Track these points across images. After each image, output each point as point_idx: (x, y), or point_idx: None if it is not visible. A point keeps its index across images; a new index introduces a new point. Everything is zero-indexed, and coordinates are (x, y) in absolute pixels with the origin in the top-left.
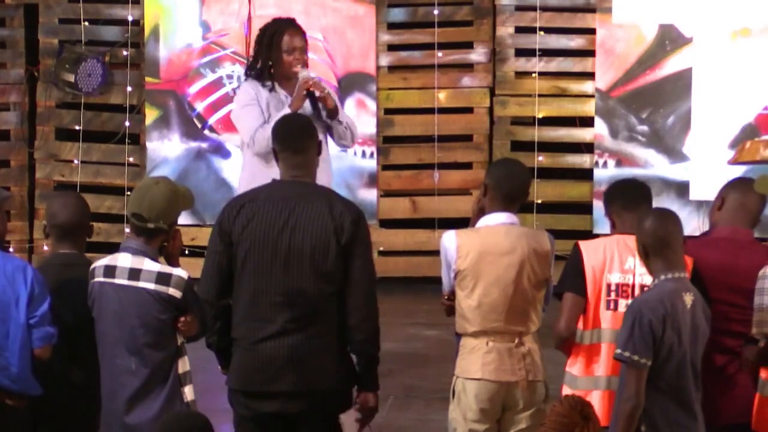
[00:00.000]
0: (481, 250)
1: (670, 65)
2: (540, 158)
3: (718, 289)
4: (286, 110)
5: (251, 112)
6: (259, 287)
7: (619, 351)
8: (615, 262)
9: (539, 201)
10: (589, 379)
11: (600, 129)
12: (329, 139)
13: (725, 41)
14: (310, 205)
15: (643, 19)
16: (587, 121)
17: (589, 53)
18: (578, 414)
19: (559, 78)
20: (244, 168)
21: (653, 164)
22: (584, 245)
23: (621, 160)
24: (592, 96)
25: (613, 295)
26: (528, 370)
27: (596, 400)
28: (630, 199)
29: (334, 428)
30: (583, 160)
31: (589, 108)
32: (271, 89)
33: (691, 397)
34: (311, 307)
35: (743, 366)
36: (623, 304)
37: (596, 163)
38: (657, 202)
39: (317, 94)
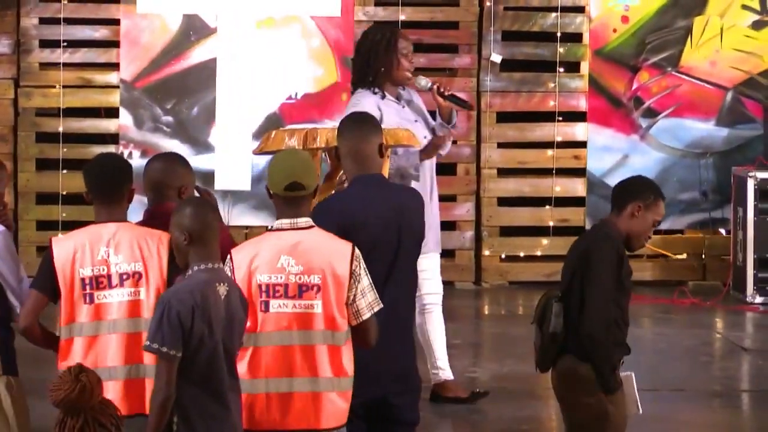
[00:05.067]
0: None
1: (195, 55)
2: (65, 149)
3: None
4: (419, 123)
5: None
6: None
7: (148, 343)
8: (86, 255)
9: (64, 192)
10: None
11: (125, 120)
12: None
13: (249, 31)
14: None
15: (167, 9)
16: (112, 112)
17: (114, 44)
18: (74, 378)
19: (84, 69)
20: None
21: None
22: (55, 241)
23: (146, 151)
24: (117, 87)
25: (88, 289)
26: None
27: (114, 390)
28: (100, 189)
29: None
30: (108, 150)
31: (113, 99)
32: (383, 97)
33: (224, 386)
34: None
35: None
36: (100, 295)
37: (122, 154)
38: None
39: (447, 93)
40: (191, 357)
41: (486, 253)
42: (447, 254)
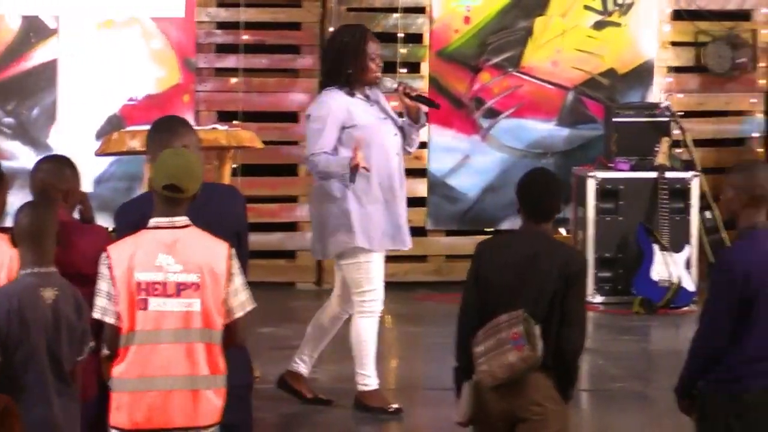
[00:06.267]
0: None
1: (36, 57)
2: None
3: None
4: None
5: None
6: None
7: None
8: None
9: None
10: None
11: None
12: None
13: (90, 33)
14: None
15: (6, 10)
16: None
17: None
18: None
19: None
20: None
21: (19, 156)
22: None
23: None
24: None
25: None
26: None
27: None
28: None
29: None
30: None
31: None
32: (352, 95)
33: (48, 390)
34: None
35: None
36: None
37: None
38: (21, 196)
39: (413, 94)
40: (8, 360)
41: None
42: (288, 255)
